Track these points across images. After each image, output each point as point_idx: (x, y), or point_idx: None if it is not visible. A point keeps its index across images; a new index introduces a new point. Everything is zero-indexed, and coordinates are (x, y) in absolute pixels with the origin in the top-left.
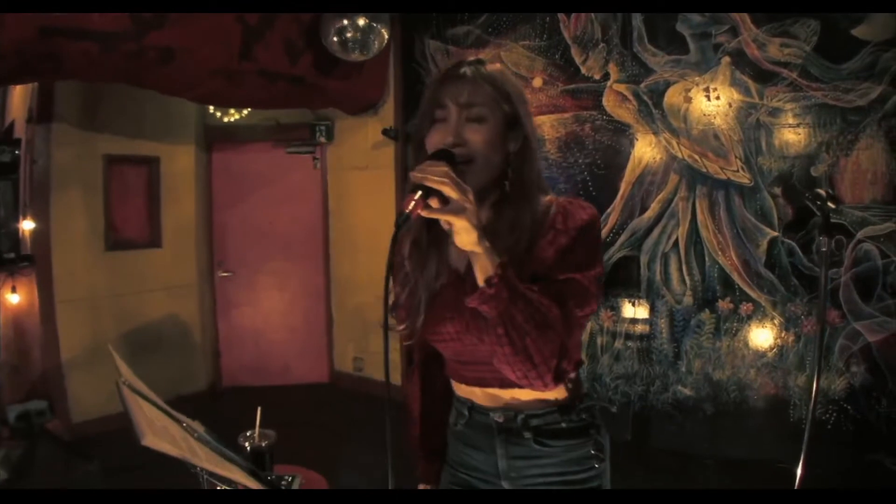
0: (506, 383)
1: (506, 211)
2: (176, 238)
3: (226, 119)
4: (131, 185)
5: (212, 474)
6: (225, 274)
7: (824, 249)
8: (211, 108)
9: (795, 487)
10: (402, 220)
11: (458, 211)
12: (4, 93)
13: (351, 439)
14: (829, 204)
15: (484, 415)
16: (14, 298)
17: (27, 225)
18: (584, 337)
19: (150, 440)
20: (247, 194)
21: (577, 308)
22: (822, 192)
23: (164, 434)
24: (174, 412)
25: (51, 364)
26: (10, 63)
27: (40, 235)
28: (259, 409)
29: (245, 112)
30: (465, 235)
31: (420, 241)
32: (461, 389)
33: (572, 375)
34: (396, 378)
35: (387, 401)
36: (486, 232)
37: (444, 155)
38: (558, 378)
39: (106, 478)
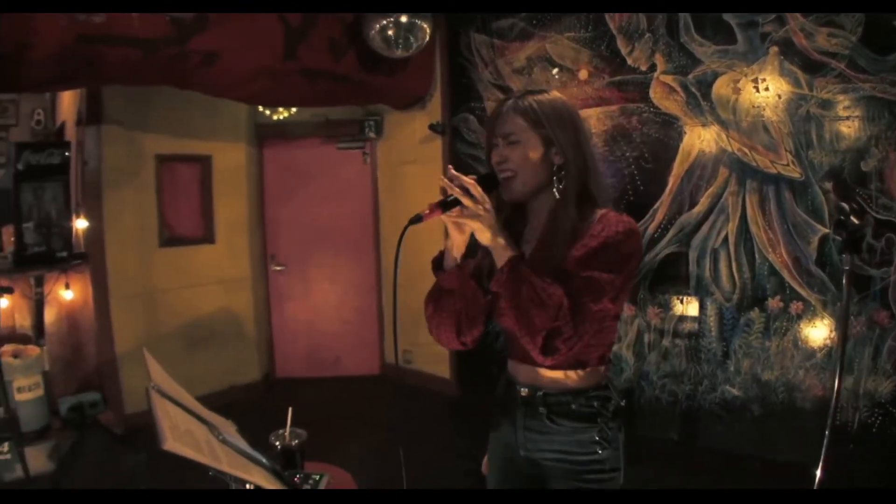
0: (533, 360)
1: (552, 216)
2: (229, 233)
3: (275, 117)
4: (184, 183)
5: (230, 477)
6: (278, 268)
7: (847, 268)
8: (260, 107)
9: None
10: (414, 220)
11: (473, 216)
12: (54, 96)
13: (398, 432)
14: (853, 219)
15: (514, 388)
16: (68, 295)
17: (80, 224)
18: (631, 335)
19: (171, 444)
20: (298, 190)
21: (591, 303)
22: (845, 205)
23: (187, 438)
24: (205, 412)
25: (105, 357)
26: (50, 70)
27: (94, 234)
28: (290, 408)
29: (294, 109)
30: (480, 234)
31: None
32: (509, 363)
33: (602, 367)
34: (444, 371)
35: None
36: (543, 233)
37: (489, 177)
38: (548, 351)
39: (153, 468)
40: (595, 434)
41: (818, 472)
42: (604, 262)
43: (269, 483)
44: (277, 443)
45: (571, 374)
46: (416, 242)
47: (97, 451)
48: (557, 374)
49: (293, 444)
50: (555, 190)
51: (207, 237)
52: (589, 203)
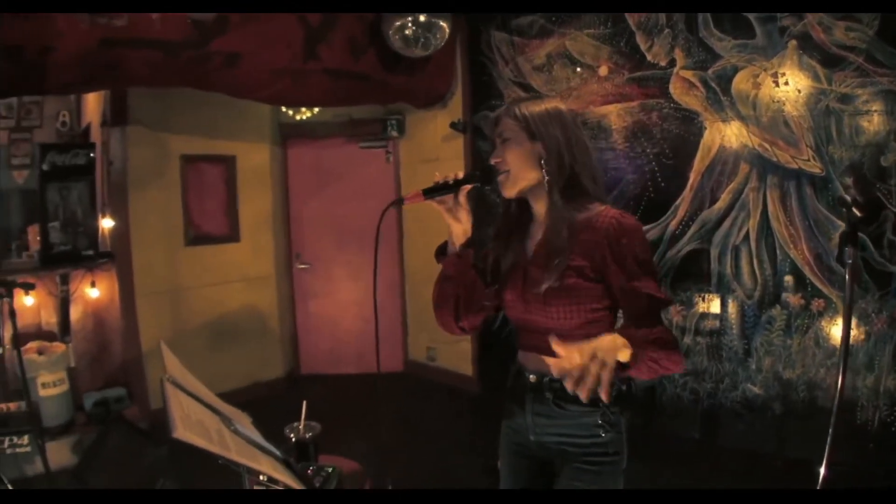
0: (542, 350)
1: (547, 209)
2: (254, 232)
3: (298, 117)
4: (208, 183)
5: (239, 465)
6: (303, 266)
7: (850, 261)
8: (283, 107)
9: (818, 487)
10: (396, 202)
11: (446, 209)
12: (79, 98)
13: (420, 429)
14: (856, 211)
15: (524, 376)
16: (93, 293)
17: (106, 223)
18: None
19: (181, 433)
20: (322, 189)
21: (658, 307)
22: (847, 197)
23: (198, 428)
24: (220, 404)
25: (131, 354)
26: (74, 72)
27: (119, 233)
28: (304, 402)
29: (317, 109)
30: (453, 230)
31: (507, 234)
32: (519, 353)
33: None
34: (467, 368)
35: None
36: (546, 227)
37: (481, 173)
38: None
39: (174, 462)
40: (598, 418)
41: (822, 470)
42: (632, 258)
43: (277, 473)
44: (292, 435)
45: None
46: (436, 239)
47: (120, 445)
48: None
49: (307, 436)
50: (545, 182)
51: (232, 236)
52: (581, 196)
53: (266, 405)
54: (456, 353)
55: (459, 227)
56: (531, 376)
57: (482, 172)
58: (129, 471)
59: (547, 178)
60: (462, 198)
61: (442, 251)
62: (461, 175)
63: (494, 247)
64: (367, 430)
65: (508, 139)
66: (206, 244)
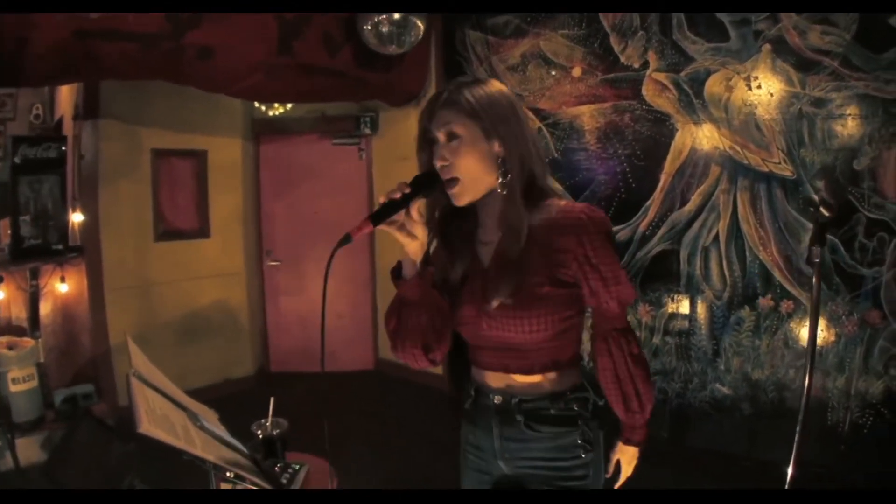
0: (509, 369)
1: (503, 216)
2: (224, 228)
3: (271, 112)
4: (179, 178)
5: (204, 462)
6: (273, 263)
7: (817, 260)
8: (256, 103)
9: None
10: (343, 241)
11: (399, 230)
12: (53, 91)
13: (389, 427)
14: (823, 211)
15: (486, 396)
16: (63, 288)
17: (76, 217)
18: None
19: (146, 427)
20: (294, 185)
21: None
22: (815, 197)
23: (164, 423)
24: (186, 400)
25: (99, 349)
26: (49, 64)
27: (89, 227)
28: (272, 398)
29: (290, 105)
30: (411, 254)
31: (451, 240)
32: (474, 371)
33: (575, 366)
34: (439, 367)
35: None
36: (501, 237)
37: (424, 178)
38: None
39: (142, 459)
40: (577, 437)
41: (790, 470)
42: (609, 258)
43: (243, 470)
44: (259, 432)
45: (550, 375)
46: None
47: (88, 442)
48: (533, 379)
49: (274, 433)
50: (498, 185)
51: (203, 231)
52: (538, 195)
53: (236, 402)
54: None
55: (416, 244)
56: (495, 397)
57: (428, 180)
58: (97, 468)
59: (506, 182)
60: (415, 212)
61: (398, 274)
62: (408, 190)
63: (435, 258)
64: (338, 428)
65: (458, 137)
66: (176, 240)
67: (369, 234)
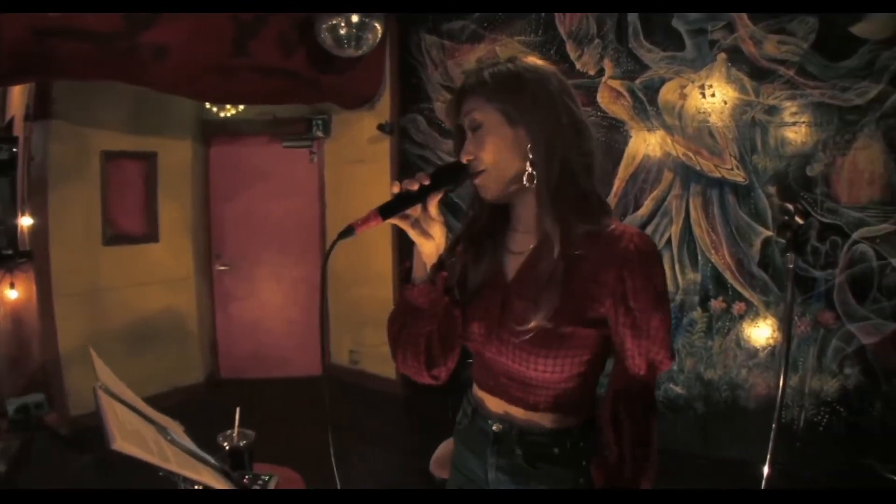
0: (513, 399)
1: (537, 220)
2: (173, 232)
3: (222, 114)
4: (129, 181)
5: (178, 477)
6: (222, 267)
7: (791, 266)
8: (208, 104)
9: (762, 487)
10: (344, 233)
11: (413, 227)
12: (4, 92)
13: (343, 433)
14: (798, 219)
15: (484, 420)
16: (12, 294)
17: (25, 221)
18: None
19: (120, 444)
20: (244, 188)
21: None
22: (790, 206)
23: (136, 438)
24: (152, 413)
25: (49, 357)
26: (5, 64)
27: (38, 231)
28: (238, 408)
29: (241, 107)
30: (426, 256)
31: (481, 239)
32: (475, 389)
33: (589, 400)
34: (390, 371)
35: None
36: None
37: (451, 168)
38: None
39: (101, 471)
40: (580, 479)
41: (766, 469)
42: (649, 304)
43: (218, 483)
44: (225, 443)
45: (556, 414)
46: (361, 241)
47: (44, 453)
48: (535, 416)
49: (241, 444)
50: (525, 177)
51: (151, 236)
52: (585, 203)
53: (186, 411)
54: (379, 357)
55: (431, 245)
56: (494, 425)
57: (451, 172)
58: (55, 480)
59: (534, 173)
60: (433, 208)
61: (407, 277)
62: (427, 181)
63: (464, 254)
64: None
65: (480, 125)
66: (125, 244)
67: (374, 226)
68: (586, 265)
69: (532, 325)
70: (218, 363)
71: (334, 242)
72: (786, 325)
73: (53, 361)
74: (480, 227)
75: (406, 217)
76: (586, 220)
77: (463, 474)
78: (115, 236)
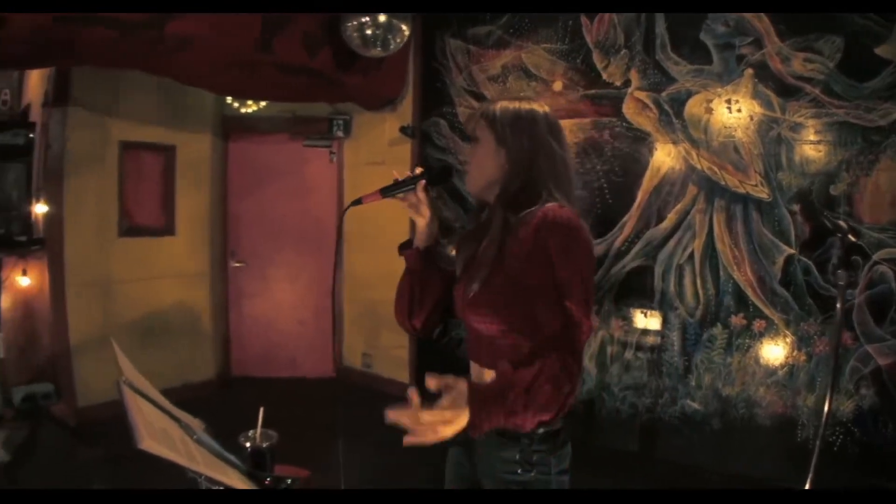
0: (478, 359)
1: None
2: (190, 226)
3: (243, 110)
4: (146, 172)
5: (210, 479)
6: (238, 264)
7: (842, 283)
8: (229, 99)
9: None
10: (355, 202)
11: (408, 204)
12: (21, 76)
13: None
14: (851, 237)
15: None
16: (24, 281)
17: (40, 209)
18: (594, 346)
19: (148, 444)
20: (262, 186)
21: (578, 334)
22: (843, 223)
23: (164, 437)
24: (174, 410)
25: (59, 347)
26: (25, 47)
27: (53, 219)
28: (262, 408)
29: (263, 103)
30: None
31: (474, 223)
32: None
33: None
34: (404, 376)
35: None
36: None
37: (446, 168)
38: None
39: (109, 465)
40: (516, 454)
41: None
42: (568, 264)
43: (245, 485)
44: (247, 444)
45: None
46: (378, 242)
47: (50, 445)
48: (491, 375)
49: (263, 445)
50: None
51: (168, 229)
52: (531, 200)
53: (197, 407)
54: (392, 360)
55: (422, 222)
56: None
57: (438, 170)
58: (62, 472)
59: (501, 186)
60: (420, 192)
61: (407, 245)
62: (418, 171)
63: (458, 243)
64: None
65: (478, 139)
66: (140, 236)
67: (376, 202)
68: (517, 235)
69: (473, 286)
70: (230, 361)
71: (344, 210)
72: (833, 343)
73: (63, 351)
74: (473, 221)
75: (405, 199)
76: (525, 210)
77: (456, 455)
78: (130, 228)
